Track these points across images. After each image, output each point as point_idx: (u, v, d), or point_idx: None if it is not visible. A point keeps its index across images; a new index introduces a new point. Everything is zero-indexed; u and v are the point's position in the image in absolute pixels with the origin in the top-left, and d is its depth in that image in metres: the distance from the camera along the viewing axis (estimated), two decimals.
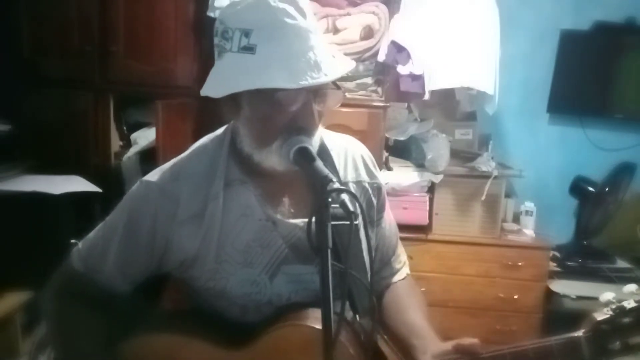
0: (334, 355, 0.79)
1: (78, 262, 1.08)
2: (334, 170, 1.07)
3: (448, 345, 0.97)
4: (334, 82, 0.97)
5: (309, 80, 0.90)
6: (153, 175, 1.06)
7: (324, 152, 1.07)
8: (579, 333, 0.91)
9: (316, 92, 0.95)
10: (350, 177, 1.11)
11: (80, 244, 1.10)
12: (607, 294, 0.93)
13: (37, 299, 1.95)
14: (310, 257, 0.95)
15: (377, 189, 1.15)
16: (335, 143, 1.13)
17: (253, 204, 1.02)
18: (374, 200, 1.14)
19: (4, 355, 1.93)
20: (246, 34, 0.91)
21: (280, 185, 1.05)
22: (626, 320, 0.89)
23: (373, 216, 1.14)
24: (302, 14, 0.92)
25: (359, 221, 0.90)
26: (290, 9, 0.91)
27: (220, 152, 1.05)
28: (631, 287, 0.93)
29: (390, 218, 1.22)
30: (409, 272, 1.26)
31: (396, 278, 1.22)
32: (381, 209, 1.17)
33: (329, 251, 0.80)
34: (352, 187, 1.10)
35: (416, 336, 1.04)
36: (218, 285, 1.02)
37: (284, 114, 0.93)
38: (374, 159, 1.19)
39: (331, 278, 0.79)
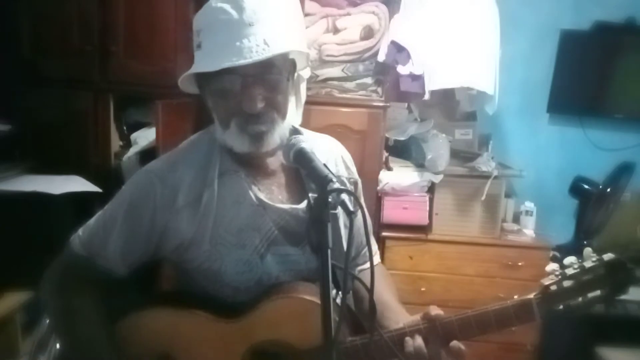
0: (334, 355, 0.80)
1: (79, 247, 1.14)
2: None
3: (417, 316, 1.07)
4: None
5: (226, 64, 0.98)
6: (153, 165, 1.16)
7: None
8: (531, 295, 1.04)
9: (259, 78, 1.02)
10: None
11: (80, 231, 1.17)
12: (552, 265, 1.07)
13: (37, 299, 1.95)
14: (298, 240, 1.03)
15: (354, 183, 1.26)
16: (317, 140, 1.24)
17: (245, 191, 1.10)
18: None
19: (4, 355, 1.93)
20: (198, 34, 1.07)
21: (268, 173, 1.14)
22: (567, 284, 1.03)
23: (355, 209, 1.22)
24: (239, 9, 1.02)
25: (337, 210, 0.95)
26: (226, 7, 1.02)
27: (214, 144, 1.14)
28: (571, 259, 1.07)
29: (365, 211, 1.28)
30: (380, 261, 1.37)
31: (368, 264, 1.29)
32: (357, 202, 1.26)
33: (329, 251, 0.84)
34: None
35: (388, 310, 1.14)
36: (213, 266, 1.09)
37: (228, 99, 1.04)
38: (351, 158, 1.30)
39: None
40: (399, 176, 2.56)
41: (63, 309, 1.11)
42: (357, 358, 1.04)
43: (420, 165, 2.61)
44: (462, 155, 2.71)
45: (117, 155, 2.55)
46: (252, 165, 1.13)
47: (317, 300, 0.88)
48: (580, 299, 1.03)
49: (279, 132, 1.07)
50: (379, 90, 2.47)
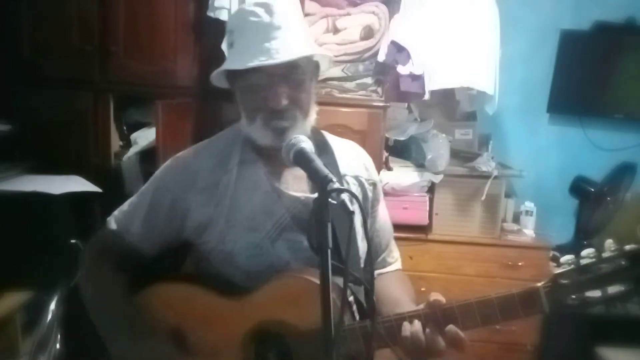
0: (333, 355, 0.80)
1: (113, 223, 1.25)
2: (334, 163, 1.21)
3: (421, 305, 1.07)
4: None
5: (255, 63, 1.06)
6: (181, 153, 1.25)
7: (325, 146, 1.24)
8: (539, 284, 0.99)
9: (285, 77, 1.09)
10: (349, 171, 1.25)
11: (116, 211, 1.27)
12: (567, 257, 1.00)
13: (37, 299, 1.96)
14: (304, 226, 1.05)
15: (373, 184, 1.29)
16: (339, 142, 1.30)
17: (261, 178, 1.17)
18: (370, 194, 1.28)
19: (4, 355, 1.94)
20: (231, 33, 1.15)
21: (286, 165, 1.14)
22: (581, 276, 0.96)
23: (368, 208, 1.28)
24: (270, 13, 1.09)
25: (353, 209, 1.02)
26: (258, 10, 1.10)
27: (238, 136, 1.22)
28: (589, 251, 0.99)
29: (384, 214, 1.35)
30: (400, 267, 1.38)
31: (387, 270, 1.34)
32: (375, 202, 1.30)
33: (329, 251, 0.84)
34: (350, 180, 1.24)
35: (400, 307, 1.12)
36: (226, 248, 1.15)
37: (255, 95, 1.11)
38: (372, 163, 1.34)
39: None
40: (399, 176, 2.56)
41: (91, 275, 1.23)
42: (355, 342, 1.03)
43: (420, 165, 2.61)
44: (462, 155, 2.71)
45: (117, 155, 2.56)
46: (271, 157, 1.17)
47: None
48: (599, 293, 0.96)
49: (301, 128, 1.13)
50: (379, 90, 2.47)
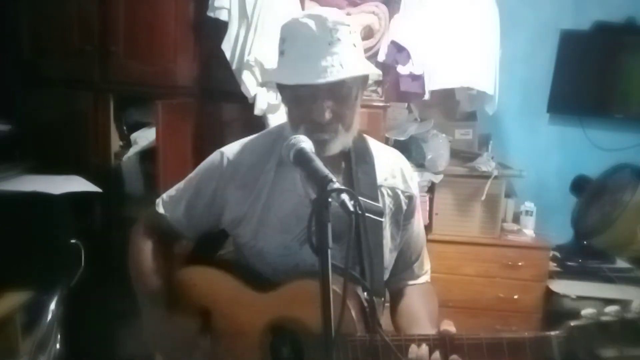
0: (334, 354, 0.81)
1: (160, 206, 1.33)
2: (371, 172, 1.23)
3: (434, 330, 1.09)
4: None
5: (302, 81, 1.08)
6: (227, 148, 1.29)
7: (366, 154, 1.26)
8: (553, 333, 0.98)
9: (330, 92, 1.10)
10: (386, 182, 1.26)
11: (164, 194, 1.35)
12: (589, 310, 0.97)
13: (37, 299, 1.96)
14: (338, 236, 1.00)
15: (409, 197, 1.29)
16: (382, 151, 1.31)
17: (297, 182, 1.20)
18: (404, 207, 1.27)
19: (4, 355, 1.93)
20: (283, 41, 1.15)
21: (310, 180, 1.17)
22: (597, 332, 0.94)
23: (400, 220, 1.27)
24: (322, 28, 1.09)
25: (384, 219, 1.18)
26: (311, 23, 1.09)
27: (281, 137, 1.21)
28: (612, 308, 0.96)
29: (419, 227, 1.35)
30: (429, 280, 1.40)
31: (415, 282, 1.35)
32: (410, 215, 1.29)
33: (329, 251, 0.86)
34: (386, 191, 1.25)
35: (417, 327, 1.16)
36: (257, 245, 1.21)
37: (301, 106, 1.13)
38: (413, 173, 1.34)
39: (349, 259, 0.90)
40: None
41: (135, 250, 1.31)
42: (364, 355, 1.06)
43: (420, 165, 2.61)
44: (462, 155, 2.71)
45: (117, 155, 2.55)
46: None
47: (337, 288, 0.90)
48: (614, 352, 0.94)
49: (342, 141, 1.15)
50: (379, 90, 2.47)
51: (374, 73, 1.20)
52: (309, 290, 1.06)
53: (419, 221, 1.35)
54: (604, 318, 0.95)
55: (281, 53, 1.16)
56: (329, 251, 0.86)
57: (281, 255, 1.20)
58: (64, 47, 2.45)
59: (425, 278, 1.38)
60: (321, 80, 1.07)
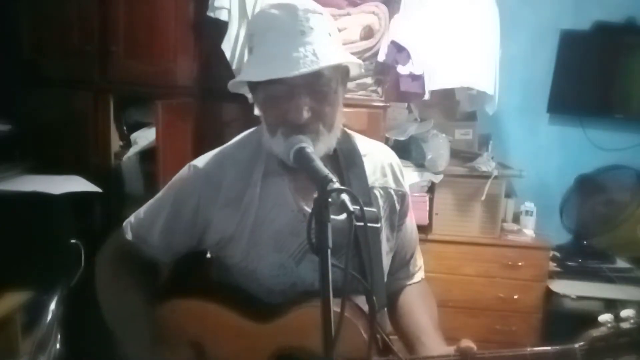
0: (334, 354, 0.80)
1: (129, 232, 1.19)
2: (362, 175, 1.15)
3: (451, 348, 1.04)
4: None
5: (272, 75, 0.98)
6: (200, 161, 1.17)
7: (355, 155, 1.17)
8: (576, 345, 0.96)
9: (307, 88, 1.00)
10: (378, 182, 1.18)
11: (132, 217, 1.22)
12: (605, 315, 0.97)
13: (37, 299, 1.96)
14: (337, 249, 0.95)
15: (402, 196, 1.22)
16: (369, 149, 1.22)
17: (287, 195, 1.11)
18: (397, 207, 1.21)
19: (4, 355, 1.93)
20: (250, 38, 1.06)
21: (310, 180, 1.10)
22: (620, 340, 0.94)
23: (395, 220, 1.21)
24: (292, 17, 1.00)
25: (380, 225, 1.11)
26: (280, 13, 1.00)
27: (261, 145, 1.13)
28: (628, 312, 0.96)
29: (412, 224, 1.29)
30: (423, 276, 1.35)
31: (411, 281, 1.30)
32: (403, 215, 1.23)
33: (329, 251, 0.83)
34: (379, 192, 1.17)
35: (425, 336, 1.12)
36: (250, 266, 1.11)
37: (276, 107, 1.03)
38: (402, 169, 1.26)
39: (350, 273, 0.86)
40: None
41: (107, 286, 1.17)
42: None
43: (420, 165, 2.61)
44: (462, 155, 2.71)
45: (117, 155, 2.56)
46: (296, 171, 1.08)
47: (346, 314, 0.86)
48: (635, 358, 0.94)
49: (325, 143, 1.05)
50: (379, 90, 2.47)
51: (354, 63, 1.09)
52: (316, 317, 0.98)
53: (411, 218, 1.29)
54: (624, 325, 0.95)
55: (250, 50, 1.06)
56: (329, 251, 0.82)
57: (276, 275, 1.10)
58: (64, 47, 2.45)
59: (420, 275, 1.33)
60: (294, 73, 0.96)
